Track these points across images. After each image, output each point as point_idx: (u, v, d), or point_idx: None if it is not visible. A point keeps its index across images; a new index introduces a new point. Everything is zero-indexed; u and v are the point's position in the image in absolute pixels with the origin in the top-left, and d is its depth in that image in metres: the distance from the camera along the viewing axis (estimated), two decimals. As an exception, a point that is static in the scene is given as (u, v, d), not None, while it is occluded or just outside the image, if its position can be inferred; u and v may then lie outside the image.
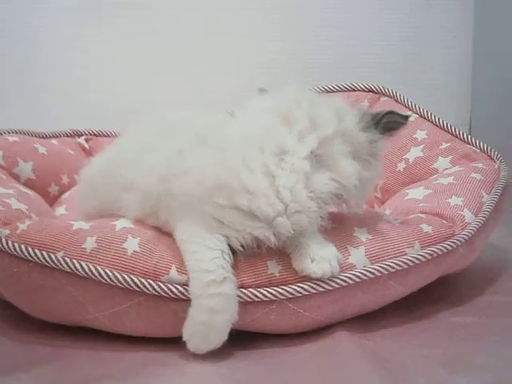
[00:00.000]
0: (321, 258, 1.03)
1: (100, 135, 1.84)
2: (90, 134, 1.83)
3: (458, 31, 2.00)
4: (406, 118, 1.14)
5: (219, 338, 0.99)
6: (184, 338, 1.00)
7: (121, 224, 1.12)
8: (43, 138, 1.68)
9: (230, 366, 1.00)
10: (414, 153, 1.55)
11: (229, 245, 1.04)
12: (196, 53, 2.00)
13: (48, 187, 1.56)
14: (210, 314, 0.98)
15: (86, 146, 1.80)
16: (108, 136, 1.84)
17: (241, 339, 1.05)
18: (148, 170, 1.13)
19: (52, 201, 1.54)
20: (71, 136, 1.79)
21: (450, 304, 1.22)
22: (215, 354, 1.02)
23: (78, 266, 1.04)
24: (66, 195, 1.59)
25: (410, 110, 1.65)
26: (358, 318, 1.13)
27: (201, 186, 1.04)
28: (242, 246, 1.04)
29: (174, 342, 1.05)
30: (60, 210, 1.50)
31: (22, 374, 0.99)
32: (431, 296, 1.23)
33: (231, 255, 1.04)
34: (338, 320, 1.11)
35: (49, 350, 1.07)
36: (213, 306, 0.98)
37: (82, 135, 1.81)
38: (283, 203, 1.02)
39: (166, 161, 1.11)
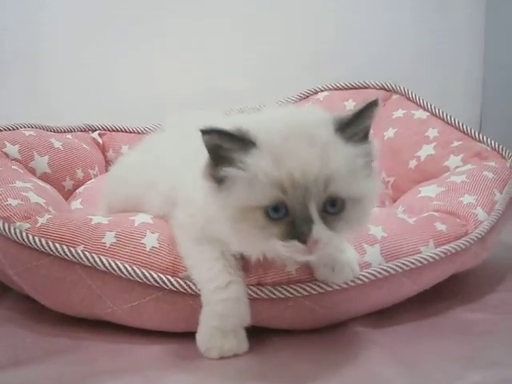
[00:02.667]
0: (341, 266, 1.03)
1: (113, 130, 1.85)
2: (104, 129, 1.84)
3: (470, 29, 2.01)
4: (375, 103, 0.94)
5: (232, 342, 1.00)
6: (198, 345, 1.01)
7: (139, 219, 1.14)
8: (58, 132, 1.69)
9: (247, 360, 1.01)
10: (426, 150, 1.56)
11: None
12: (207, 49, 2.01)
13: (63, 181, 1.58)
14: (221, 318, 0.99)
15: (100, 140, 1.81)
16: (121, 131, 1.86)
17: (257, 334, 1.06)
18: (166, 173, 1.14)
19: (67, 195, 1.56)
20: (85, 131, 1.81)
21: (461, 301, 1.23)
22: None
23: (97, 260, 1.06)
24: (81, 189, 1.61)
25: (421, 107, 1.66)
26: (372, 315, 1.15)
27: (191, 202, 1.04)
28: None
29: (190, 336, 1.07)
30: (75, 204, 1.52)
31: (42, 364, 1.01)
32: (442, 293, 1.24)
33: (235, 259, 1.04)
34: (353, 316, 1.13)
35: (67, 341, 1.09)
36: (221, 310, 0.99)
37: (96, 130, 1.83)
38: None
39: (177, 169, 1.11)
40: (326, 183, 0.88)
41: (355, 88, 1.78)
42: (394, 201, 1.58)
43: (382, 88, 1.76)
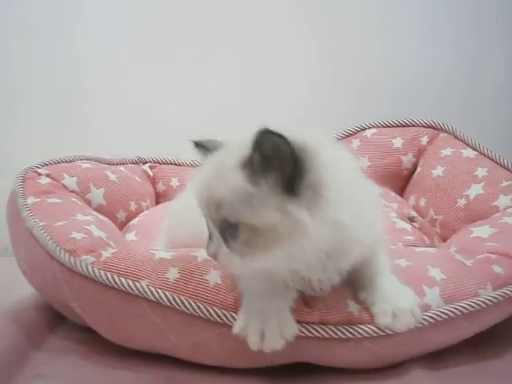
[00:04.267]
0: (402, 312, 1.03)
1: (163, 163, 1.89)
2: (154, 162, 1.88)
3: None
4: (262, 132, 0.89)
5: (273, 326, 0.99)
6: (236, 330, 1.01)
7: (201, 255, 1.16)
8: (111, 164, 1.73)
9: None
10: (475, 190, 1.57)
11: None
12: (256, 85, 2.05)
13: (116, 213, 1.61)
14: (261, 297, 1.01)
15: (151, 173, 1.85)
16: (170, 164, 1.90)
17: (320, 374, 1.08)
18: None
19: (120, 226, 1.58)
20: (136, 163, 1.85)
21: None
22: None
23: (162, 295, 1.08)
24: (134, 221, 1.64)
25: (469, 146, 1.68)
26: (429, 355, 1.15)
27: None
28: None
29: (253, 374, 1.09)
30: (130, 236, 1.54)
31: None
32: (498, 334, 1.23)
33: None
34: (410, 357, 1.13)
35: (131, 374, 1.11)
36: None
37: (147, 162, 1.87)
38: None
39: None
40: (217, 207, 0.93)
41: (403, 126, 1.80)
42: (443, 239, 1.59)
43: (430, 126, 1.78)
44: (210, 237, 0.98)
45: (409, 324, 1.03)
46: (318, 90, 2.04)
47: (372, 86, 2.03)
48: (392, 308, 1.03)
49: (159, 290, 1.09)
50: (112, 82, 2.07)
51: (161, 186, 1.85)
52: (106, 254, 1.16)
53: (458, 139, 1.71)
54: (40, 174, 1.42)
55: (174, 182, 1.85)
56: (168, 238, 1.38)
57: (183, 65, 2.05)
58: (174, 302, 1.07)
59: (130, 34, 2.06)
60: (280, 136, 0.87)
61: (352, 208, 0.96)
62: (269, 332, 0.98)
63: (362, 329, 1.05)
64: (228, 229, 0.94)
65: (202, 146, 1.06)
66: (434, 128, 1.78)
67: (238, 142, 0.96)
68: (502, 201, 1.51)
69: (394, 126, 1.82)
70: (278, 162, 0.89)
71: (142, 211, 1.71)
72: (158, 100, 2.07)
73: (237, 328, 1.00)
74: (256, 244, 0.92)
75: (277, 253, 0.93)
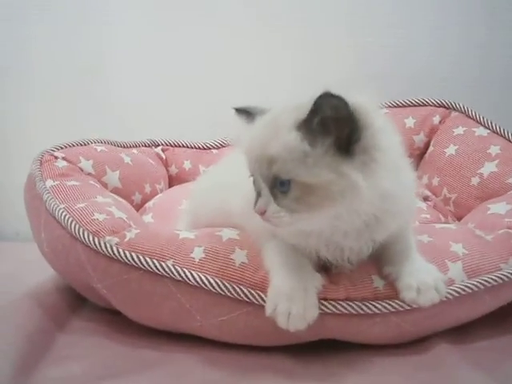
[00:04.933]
0: (427, 287, 1.03)
1: (176, 145, 1.89)
2: (167, 145, 1.87)
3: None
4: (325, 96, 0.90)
5: (299, 306, 0.99)
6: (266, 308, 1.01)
7: (226, 235, 1.16)
8: (125, 147, 1.73)
9: (339, 373, 1.04)
10: (488, 168, 1.58)
11: None
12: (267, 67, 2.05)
13: (132, 196, 1.61)
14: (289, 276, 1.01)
15: (163, 156, 1.84)
16: (183, 146, 1.89)
17: (345, 350, 1.09)
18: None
19: (135, 209, 1.57)
20: (149, 146, 1.84)
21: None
22: (323, 362, 1.07)
23: (188, 274, 1.08)
24: (150, 204, 1.64)
25: (481, 125, 1.68)
26: (452, 330, 1.16)
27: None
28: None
29: (281, 350, 1.10)
30: (147, 218, 1.54)
31: (140, 376, 1.04)
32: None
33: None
34: (434, 331, 1.15)
35: (157, 354, 1.12)
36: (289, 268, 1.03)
37: (159, 145, 1.86)
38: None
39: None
40: (270, 164, 0.95)
41: (414, 106, 1.80)
42: (458, 218, 1.60)
43: (441, 105, 1.78)
44: (259, 194, 0.99)
45: (433, 299, 1.04)
46: (335, 74, 2.02)
47: (385, 69, 2.02)
48: (417, 283, 1.03)
49: (185, 270, 1.09)
50: (128, 62, 2.06)
51: (173, 169, 1.85)
52: (130, 234, 1.16)
53: (470, 118, 1.71)
54: (57, 158, 1.42)
55: (187, 165, 1.84)
56: (191, 219, 1.38)
57: (199, 46, 2.04)
58: (200, 282, 1.08)
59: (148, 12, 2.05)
60: (340, 99, 0.89)
61: (399, 177, 0.99)
62: (294, 313, 0.99)
63: (388, 303, 1.06)
64: (279, 186, 0.96)
65: (245, 112, 1.07)
66: (445, 107, 1.78)
67: (291, 104, 0.98)
68: (517, 178, 1.52)
69: (405, 106, 1.82)
70: (337, 124, 0.91)
71: (157, 194, 1.71)
72: (172, 82, 2.06)
73: (268, 310, 1.01)
74: (306, 202, 0.94)
75: (325, 212, 0.95)
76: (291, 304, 0.99)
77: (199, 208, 1.34)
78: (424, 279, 1.04)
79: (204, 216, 1.31)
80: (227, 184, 1.23)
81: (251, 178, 1.01)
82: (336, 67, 2.03)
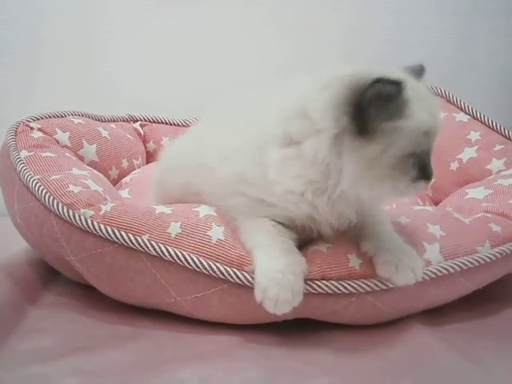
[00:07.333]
0: (404, 267, 1.03)
1: (154, 121, 1.87)
2: (145, 120, 1.85)
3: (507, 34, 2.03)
4: (398, 84, 0.93)
5: (287, 293, 0.99)
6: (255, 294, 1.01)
7: (203, 211, 1.14)
8: (102, 121, 1.70)
9: (312, 353, 1.03)
10: (468, 153, 1.58)
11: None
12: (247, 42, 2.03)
13: (109, 170, 1.59)
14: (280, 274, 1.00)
15: (142, 131, 1.82)
16: (161, 123, 1.88)
17: (320, 329, 1.09)
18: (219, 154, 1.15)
19: (112, 184, 1.55)
20: (127, 121, 1.82)
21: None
22: (296, 341, 1.06)
23: (164, 249, 1.07)
24: (127, 179, 1.61)
25: (462, 110, 1.68)
26: (427, 312, 1.16)
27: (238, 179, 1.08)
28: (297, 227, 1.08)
29: (254, 328, 1.09)
30: (123, 194, 1.52)
31: (110, 350, 1.02)
32: (491, 292, 1.25)
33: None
34: (409, 313, 1.15)
35: (129, 329, 1.10)
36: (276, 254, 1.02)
37: (138, 121, 1.84)
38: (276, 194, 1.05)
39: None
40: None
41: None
42: (435, 203, 1.61)
43: (423, 90, 1.77)
44: (429, 167, 1.02)
45: (409, 280, 1.04)
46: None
47: (366, 52, 2.02)
48: (396, 261, 1.04)
49: (161, 245, 1.07)
50: (110, 37, 2.04)
51: (151, 145, 1.82)
52: (106, 207, 1.13)
53: (451, 103, 1.71)
54: (32, 128, 1.38)
55: (165, 141, 1.82)
56: (158, 193, 1.35)
57: (176, 23, 2.02)
58: (176, 257, 1.06)
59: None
60: None
61: None
62: (282, 299, 0.98)
63: (364, 283, 1.06)
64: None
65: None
66: (426, 92, 1.77)
67: None
68: (495, 164, 1.53)
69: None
70: None
71: (134, 169, 1.69)
72: (153, 59, 2.04)
73: (258, 296, 1.00)
74: None
75: None
76: (281, 289, 0.98)
77: (167, 183, 1.31)
78: (402, 258, 1.04)
79: (172, 183, 1.28)
80: (194, 163, 1.20)
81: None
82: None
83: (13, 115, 1.45)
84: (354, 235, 1.10)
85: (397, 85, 0.92)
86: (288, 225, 1.08)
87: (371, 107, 0.93)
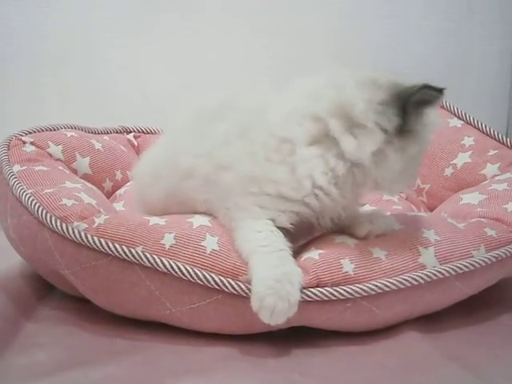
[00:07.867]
0: (377, 218, 1.16)
1: (147, 132, 1.88)
2: (139, 131, 1.86)
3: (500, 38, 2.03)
4: (441, 91, 1.03)
5: (284, 304, 0.99)
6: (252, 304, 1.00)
7: (197, 222, 1.14)
8: (96, 133, 1.70)
9: (309, 363, 1.02)
10: (462, 158, 1.59)
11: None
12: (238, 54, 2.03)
13: (103, 183, 1.59)
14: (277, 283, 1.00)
15: (135, 142, 1.83)
16: (155, 133, 1.88)
17: (316, 338, 1.08)
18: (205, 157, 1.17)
19: (106, 196, 1.55)
20: (120, 132, 1.82)
21: (509, 308, 1.25)
22: (292, 351, 1.06)
23: (158, 261, 1.06)
24: (121, 191, 1.61)
25: (456, 116, 1.69)
26: (423, 318, 1.16)
27: (239, 179, 1.11)
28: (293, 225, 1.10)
29: (250, 339, 1.08)
30: (118, 206, 1.51)
31: (107, 365, 1.01)
32: (487, 299, 1.25)
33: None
34: (405, 319, 1.14)
35: (125, 342, 1.09)
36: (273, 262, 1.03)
37: (131, 132, 1.85)
38: (305, 190, 1.07)
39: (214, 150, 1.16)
40: None
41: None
42: (430, 209, 1.61)
43: (415, 96, 1.78)
44: None
45: (388, 225, 1.15)
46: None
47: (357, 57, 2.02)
48: (368, 217, 1.15)
49: (155, 256, 1.07)
50: (102, 47, 2.05)
51: (145, 157, 1.82)
52: (99, 220, 1.13)
53: (444, 109, 1.71)
54: (25, 142, 1.39)
55: (158, 153, 1.82)
56: (141, 206, 1.35)
57: (173, 34, 2.04)
58: (170, 269, 1.06)
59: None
60: None
61: None
62: (278, 309, 0.98)
63: (359, 287, 1.05)
64: None
65: None
66: (419, 98, 1.78)
67: None
68: (490, 169, 1.53)
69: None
70: None
71: (128, 181, 1.68)
72: (145, 70, 2.05)
73: (255, 305, 0.99)
74: None
75: None
76: (278, 299, 0.98)
77: (147, 195, 1.32)
78: (373, 213, 1.19)
79: (155, 202, 1.29)
80: (178, 167, 1.21)
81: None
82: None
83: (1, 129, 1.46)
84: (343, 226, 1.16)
85: (440, 91, 1.02)
86: (291, 224, 1.10)
87: (417, 110, 1.03)
